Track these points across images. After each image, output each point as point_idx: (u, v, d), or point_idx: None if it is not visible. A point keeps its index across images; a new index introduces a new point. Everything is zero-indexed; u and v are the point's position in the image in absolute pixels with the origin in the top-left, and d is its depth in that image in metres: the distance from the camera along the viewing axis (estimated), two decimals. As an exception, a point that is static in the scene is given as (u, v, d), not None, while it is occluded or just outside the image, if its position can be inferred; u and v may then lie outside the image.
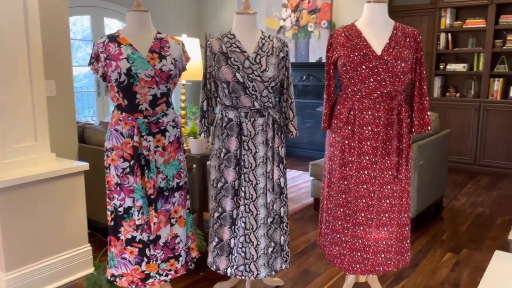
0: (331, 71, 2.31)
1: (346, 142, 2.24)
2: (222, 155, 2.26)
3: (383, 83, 2.15)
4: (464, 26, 5.50)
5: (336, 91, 2.33)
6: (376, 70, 2.13)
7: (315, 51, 6.12)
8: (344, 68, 2.19)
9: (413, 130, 2.25)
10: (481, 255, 3.15)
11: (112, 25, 6.35)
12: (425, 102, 2.25)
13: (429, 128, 2.25)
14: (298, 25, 6.25)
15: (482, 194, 4.68)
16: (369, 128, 2.19)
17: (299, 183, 5.03)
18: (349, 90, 2.23)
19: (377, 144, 2.20)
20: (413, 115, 2.25)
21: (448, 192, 4.71)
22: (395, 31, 2.19)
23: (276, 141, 2.25)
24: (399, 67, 2.13)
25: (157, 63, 2.07)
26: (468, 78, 5.66)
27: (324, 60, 5.90)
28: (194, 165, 3.03)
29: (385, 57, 2.13)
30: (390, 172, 2.22)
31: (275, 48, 2.24)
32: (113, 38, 2.05)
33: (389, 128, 2.20)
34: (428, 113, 2.25)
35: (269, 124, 2.22)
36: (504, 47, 5.23)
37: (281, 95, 2.34)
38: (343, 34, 2.24)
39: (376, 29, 2.20)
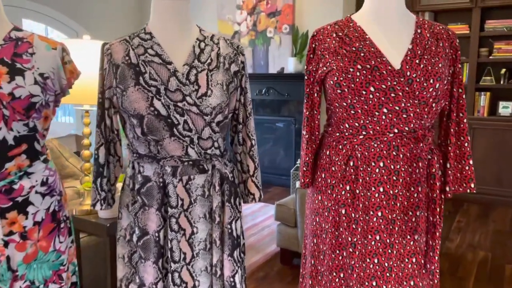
0: (315, 93, 1.42)
1: (343, 211, 1.36)
2: (134, 238, 1.31)
3: (404, 115, 1.29)
4: (443, 33, 4.83)
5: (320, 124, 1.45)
6: (393, 95, 1.27)
7: (275, 60, 5.26)
8: (339, 91, 1.31)
9: (447, 189, 1.40)
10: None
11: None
12: (466, 143, 1.40)
13: (472, 185, 1.41)
14: (255, 30, 5.39)
15: (477, 230, 3.96)
16: (381, 189, 1.32)
17: (260, 220, 4.12)
18: (346, 125, 1.35)
19: (394, 216, 1.33)
20: (448, 165, 1.40)
21: (437, 228, 3.95)
22: (419, 30, 1.34)
23: (227, 212, 1.34)
24: (431, 89, 1.28)
25: (4, 84, 1.12)
26: (448, 92, 4.99)
27: (290, 70, 5.04)
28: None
29: (408, 73, 1.27)
30: (414, 260, 1.36)
31: (223, 57, 1.33)
32: None
33: (412, 189, 1.34)
34: (471, 162, 1.41)
35: (215, 184, 1.31)
36: (491, 57, 4.58)
37: (234, 133, 1.43)
38: (334, 35, 1.36)
39: (389, 27, 1.34)
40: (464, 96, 1.38)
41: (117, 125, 1.33)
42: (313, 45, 1.40)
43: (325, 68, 1.35)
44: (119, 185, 1.76)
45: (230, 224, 1.33)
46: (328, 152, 1.41)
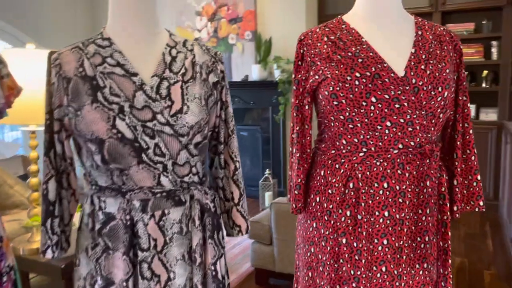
0: (307, 105, 1.23)
1: (344, 240, 1.17)
2: (96, 289, 1.07)
3: (410, 129, 1.12)
4: (406, 37, 4.81)
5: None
6: (397, 106, 1.10)
7: (239, 68, 5.07)
8: (335, 102, 1.13)
9: (455, 208, 1.25)
10: None
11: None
12: (473, 157, 1.26)
13: (481, 203, 1.26)
14: (216, 36, 5.18)
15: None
16: (386, 213, 1.15)
17: (230, 238, 3.89)
18: (343, 141, 1.18)
19: (401, 243, 1.16)
20: (455, 182, 1.25)
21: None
22: (419, 32, 1.19)
23: (209, 251, 1.12)
24: (439, 98, 1.12)
25: None
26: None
27: (255, 78, 4.86)
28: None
29: (413, 81, 1.11)
30: (423, 291, 1.20)
31: (199, 66, 1.12)
32: None
33: (420, 212, 1.17)
34: (478, 177, 1.26)
35: (194, 218, 1.09)
36: (453, 60, 4.60)
37: (214, 155, 1.21)
38: (325, 38, 1.19)
39: (387, 29, 1.18)
40: (468, 105, 1.24)
41: (70, 152, 1.08)
42: (301, 51, 1.22)
43: (317, 77, 1.17)
44: (75, 219, 1.50)
45: (214, 264, 1.12)
46: (323, 172, 1.23)
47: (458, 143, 1.23)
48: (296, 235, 1.38)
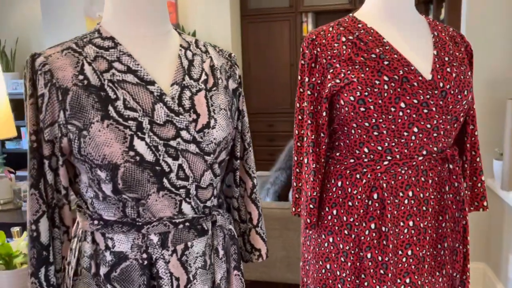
0: (324, 112, 1.12)
1: (369, 255, 1.10)
2: None
3: (435, 134, 1.08)
4: (326, 33, 4.93)
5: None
6: (425, 111, 1.05)
7: (159, 63, 4.77)
8: (363, 109, 1.04)
9: (463, 210, 1.25)
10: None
11: None
12: (478, 158, 1.27)
13: (485, 204, 1.28)
14: (132, 29, 4.81)
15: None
16: (410, 223, 1.10)
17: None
18: (365, 150, 1.10)
19: (424, 252, 1.13)
20: (464, 184, 1.24)
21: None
22: (435, 33, 1.15)
23: (234, 284, 0.97)
24: (464, 102, 1.10)
25: None
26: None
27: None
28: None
29: (441, 84, 1.06)
30: (443, 298, 1.18)
31: (219, 71, 0.95)
32: None
33: (440, 219, 1.15)
34: (483, 178, 1.27)
35: (218, 248, 0.93)
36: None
37: (228, 172, 1.05)
38: (343, 39, 1.10)
39: (407, 29, 1.12)
40: (474, 106, 1.24)
41: (66, 181, 0.85)
42: (315, 52, 1.11)
43: (338, 81, 1.07)
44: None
45: (240, 297, 0.97)
46: (340, 184, 1.14)
47: (468, 145, 1.22)
48: (302, 251, 1.28)
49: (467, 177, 1.24)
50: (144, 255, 0.85)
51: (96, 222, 0.85)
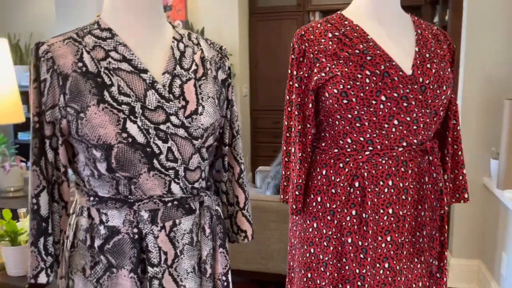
0: (310, 104, 1.19)
1: (349, 239, 1.17)
2: (97, 315, 0.94)
3: (415, 127, 1.14)
4: (334, 32, 4.98)
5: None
6: (405, 104, 1.11)
7: (168, 59, 4.86)
8: (345, 101, 1.11)
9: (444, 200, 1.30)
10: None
11: None
12: (460, 152, 1.32)
13: (466, 196, 1.34)
14: (143, 25, 4.91)
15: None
16: (390, 210, 1.16)
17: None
18: (348, 140, 1.16)
19: (402, 239, 1.19)
20: (445, 176, 1.30)
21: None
22: (419, 31, 1.21)
23: (220, 261, 1.04)
24: (443, 96, 1.15)
25: None
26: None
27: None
28: None
29: (421, 79, 1.12)
30: (420, 284, 1.24)
31: (209, 62, 1.02)
32: None
33: (419, 208, 1.21)
34: (464, 171, 1.33)
35: (204, 227, 1.00)
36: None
37: (217, 157, 1.13)
38: (329, 35, 1.16)
39: (392, 27, 1.19)
40: (457, 102, 1.29)
41: (65, 160, 0.93)
42: (303, 47, 1.18)
43: (323, 74, 1.13)
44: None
45: (226, 275, 1.04)
46: (325, 172, 1.20)
47: (450, 139, 1.28)
48: (289, 236, 1.35)
49: (448, 170, 1.29)
50: (135, 230, 0.93)
51: (92, 198, 0.93)
